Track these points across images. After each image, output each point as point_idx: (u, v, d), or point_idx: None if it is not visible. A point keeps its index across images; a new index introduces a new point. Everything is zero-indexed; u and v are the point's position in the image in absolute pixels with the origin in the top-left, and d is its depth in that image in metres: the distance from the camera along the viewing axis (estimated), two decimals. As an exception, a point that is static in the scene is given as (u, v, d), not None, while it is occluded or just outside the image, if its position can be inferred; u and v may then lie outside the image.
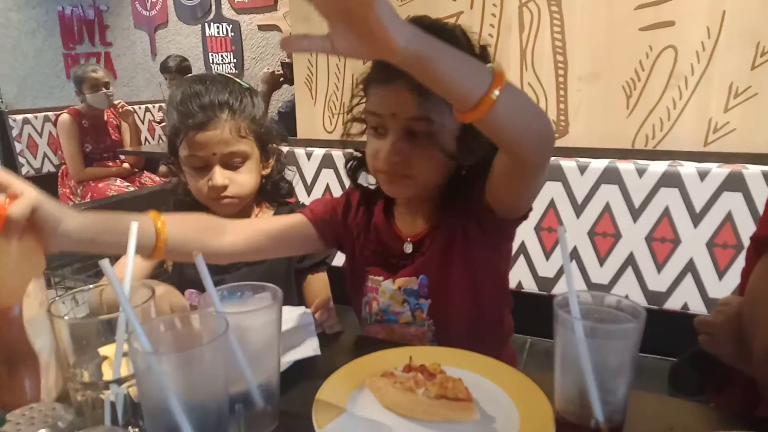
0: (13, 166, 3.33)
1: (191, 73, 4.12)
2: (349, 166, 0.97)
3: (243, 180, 1.03)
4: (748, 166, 1.34)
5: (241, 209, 1.09)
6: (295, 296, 1.14)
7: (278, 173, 1.13)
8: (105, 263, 0.51)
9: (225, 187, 1.00)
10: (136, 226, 0.61)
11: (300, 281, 1.17)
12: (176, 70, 3.79)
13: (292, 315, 0.80)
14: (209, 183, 0.99)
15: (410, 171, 0.81)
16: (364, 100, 0.88)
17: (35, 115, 3.45)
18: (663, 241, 1.42)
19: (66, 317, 0.59)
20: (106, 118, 3.27)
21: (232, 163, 1.01)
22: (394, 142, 0.79)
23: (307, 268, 1.16)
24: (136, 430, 0.59)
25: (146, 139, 4.06)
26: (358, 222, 0.96)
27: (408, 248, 0.91)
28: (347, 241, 0.97)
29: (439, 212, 0.91)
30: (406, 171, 0.81)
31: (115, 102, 3.23)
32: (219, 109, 0.98)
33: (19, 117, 3.36)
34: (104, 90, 3.08)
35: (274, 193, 1.13)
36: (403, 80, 0.75)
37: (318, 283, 1.16)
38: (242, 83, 1.07)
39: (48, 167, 3.47)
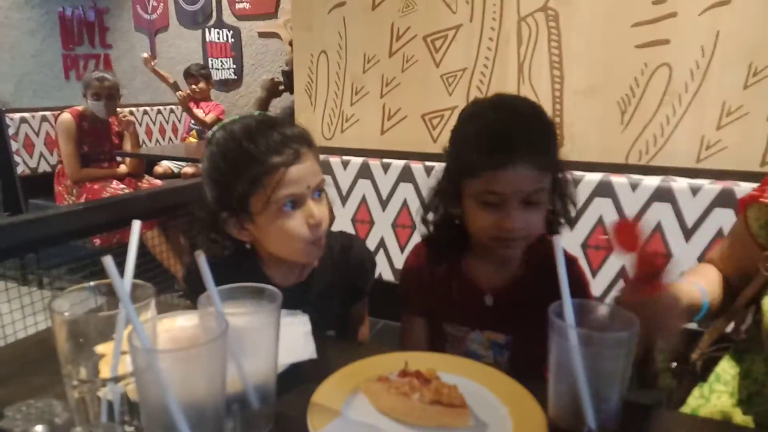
0: (8, 164, 3.30)
1: (211, 78, 4.19)
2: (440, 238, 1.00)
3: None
4: (739, 183, 1.37)
5: None
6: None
7: None
8: (107, 260, 0.52)
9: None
10: (138, 225, 0.62)
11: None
12: (200, 75, 4.02)
13: (290, 318, 0.81)
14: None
15: (529, 233, 0.87)
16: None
17: (32, 114, 3.42)
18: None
19: (66, 313, 0.59)
20: (111, 122, 3.26)
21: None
22: (518, 213, 0.85)
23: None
24: (132, 428, 0.59)
25: (144, 141, 4.04)
26: (435, 278, 1.00)
27: (489, 301, 0.97)
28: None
29: (523, 264, 0.96)
30: (526, 234, 0.87)
31: (119, 111, 3.23)
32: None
33: (17, 116, 3.33)
34: (105, 101, 3.07)
35: None
36: (525, 160, 0.83)
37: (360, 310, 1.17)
38: None
39: (44, 167, 3.44)
